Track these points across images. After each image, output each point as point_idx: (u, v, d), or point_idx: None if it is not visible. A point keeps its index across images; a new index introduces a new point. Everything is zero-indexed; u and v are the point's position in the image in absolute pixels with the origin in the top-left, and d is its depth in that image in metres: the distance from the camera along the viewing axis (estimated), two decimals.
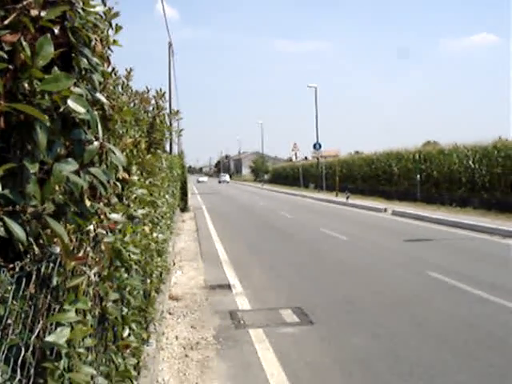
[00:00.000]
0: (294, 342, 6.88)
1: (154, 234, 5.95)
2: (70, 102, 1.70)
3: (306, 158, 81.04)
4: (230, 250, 15.07)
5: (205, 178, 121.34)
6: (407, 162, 35.28)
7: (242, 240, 17.57)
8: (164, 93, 6.34)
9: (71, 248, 1.97)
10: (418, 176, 31.88)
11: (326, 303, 8.78)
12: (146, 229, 4.96)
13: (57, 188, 1.75)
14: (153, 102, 6.14)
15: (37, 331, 1.67)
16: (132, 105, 5.28)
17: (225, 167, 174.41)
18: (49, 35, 1.57)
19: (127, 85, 5.12)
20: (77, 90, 1.77)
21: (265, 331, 7.32)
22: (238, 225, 22.55)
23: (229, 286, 10.26)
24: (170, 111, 8.16)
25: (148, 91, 6.30)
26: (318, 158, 52.30)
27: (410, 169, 34.50)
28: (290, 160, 78.99)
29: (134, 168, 4.10)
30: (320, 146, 50.91)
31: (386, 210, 26.64)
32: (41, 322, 1.71)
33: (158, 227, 7.05)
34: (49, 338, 1.73)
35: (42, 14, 1.55)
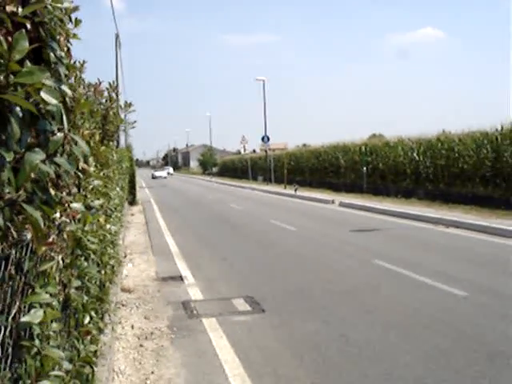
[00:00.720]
0: (247, 330, 7.05)
1: (108, 226, 5.99)
2: (42, 94, 1.79)
3: (254, 150, 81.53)
4: (180, 242, 15.12)
5: (163, 173, 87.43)
6: (354, 155, 35.93)
7: (192, 232, 17.63)
8: (117, 85, 6.38)
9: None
10: (365, 168, 32.51)
11: (277, 292, 8.97)
12: (101, 220, 5.01)
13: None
14: (106, 94, 6.18)
15: (13, 312, 1.76)
16: (85, 97, 5.31)
17: (172, 160, 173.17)
18: (24, 31, 1.66)
19: (80, 77, 5.14)
20: (48, 82, 1.85)
21: (218, 320, 7.46)
22: (188, 218, 22.58)
23: (181, 278, 10.33)
24: (117, 103, 8.15)
25: (100, 83, 6.32)
26: (266, 151, 52.62)
27: (356, 161, 35.14)
28: (239, 153, 79.14)
29: (91, 159, 4.15)
30: (268, 139, 51.25)
31: (333, 201, 27.11)
32: (17, 304, 1.79)
33: (111, 219, 7.08)
34: (24, 319, 1.82)
35: (19, 10, 1.64)
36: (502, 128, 22.86)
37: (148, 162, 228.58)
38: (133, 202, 28.61)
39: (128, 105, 7.32)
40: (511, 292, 8.58)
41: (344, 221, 19.56)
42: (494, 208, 20.10)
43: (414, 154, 28.52)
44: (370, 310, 7.76)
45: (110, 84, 6.27)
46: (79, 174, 3.12)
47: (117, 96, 6.73)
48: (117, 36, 26.10)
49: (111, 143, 6.58)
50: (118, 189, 9.83)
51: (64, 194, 2.68)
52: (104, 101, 6.16)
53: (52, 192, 2.41)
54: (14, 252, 1.79)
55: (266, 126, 51.52)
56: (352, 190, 33.27)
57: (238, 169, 73.18)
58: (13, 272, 1.72)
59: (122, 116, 7.70)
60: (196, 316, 7.75)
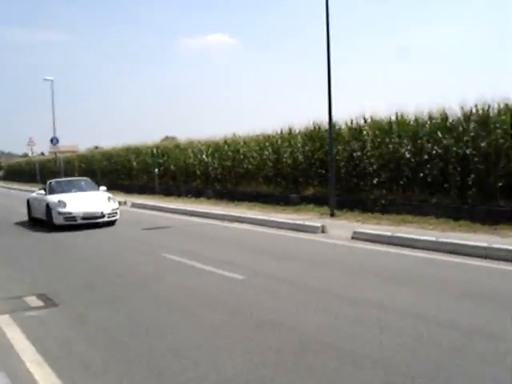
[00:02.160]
0: (41, 322, 7.40)
1: None
2: None
3: (42, 153, 78.30)
4: None
5: (96, 206, 18.11)
6: (146, 157, 36.65)
7: None
8: None
9: None
10: (156, 170, 33.36)
11: (70, 288, 9.36)
12: None
13: None
14: None
15: None
16: None
17: None
18: None
19: None
20: None
21: (11, 316, 7.67)
22: None
23: None
24: None
25: None
26: (55, 153, 51.09)
27: (148, 163, 35.88)
28: (26, 155, 75.46)
29: None
30: (57, 141, 49.62)
31: (125, 202, 27.56)
32: None
33: None
34: None
35: None
36: (282, 131, 25.14)
37: None
38: None
39: None
40: (280, 274, 9.92)
41: (136, 220, 20.20)
42: (274, 204, 22.11)
43: (204, 156, 30.01)
44: (158, 296, 8.55)
45: None
46: None
47: None
48: None
49: None
50: None
51: None
52: None
53: None
54: None
55: (55, 127, 49.90)
56: (144, 192, 33.99)
57: (25, 172, 69.68)
58: None
59: None
60: None
